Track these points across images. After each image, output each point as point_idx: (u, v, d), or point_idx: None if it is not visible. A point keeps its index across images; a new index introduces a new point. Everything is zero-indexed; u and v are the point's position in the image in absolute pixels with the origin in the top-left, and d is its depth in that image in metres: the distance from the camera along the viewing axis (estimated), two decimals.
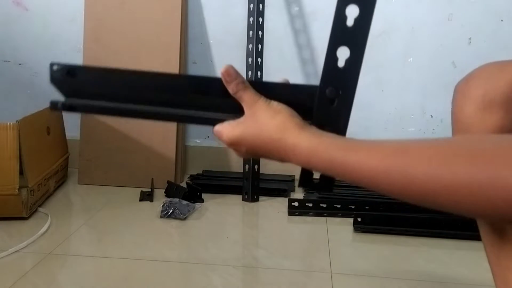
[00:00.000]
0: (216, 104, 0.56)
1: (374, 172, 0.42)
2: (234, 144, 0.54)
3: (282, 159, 0.52)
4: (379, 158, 0.42)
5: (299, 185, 0.59)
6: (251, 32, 1.35)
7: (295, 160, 0.50)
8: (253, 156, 0.56)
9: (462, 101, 0.55)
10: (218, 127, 0.55)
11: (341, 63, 0.54)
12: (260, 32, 1.35)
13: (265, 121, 0.52)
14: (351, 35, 0.55)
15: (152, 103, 0.56)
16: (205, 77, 0.58)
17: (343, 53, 0.55)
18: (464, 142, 0.41)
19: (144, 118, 0.58)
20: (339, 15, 0.55)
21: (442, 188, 0.38)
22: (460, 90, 0.57)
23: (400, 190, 0.41)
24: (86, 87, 0.57)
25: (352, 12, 0.55)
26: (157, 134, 1.43)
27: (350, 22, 0.54)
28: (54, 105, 0.57)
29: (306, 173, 0.57)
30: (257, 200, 1.35)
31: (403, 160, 0.41)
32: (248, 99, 0.54)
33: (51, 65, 0.55)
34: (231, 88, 0.54)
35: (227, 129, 0.54)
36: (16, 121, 1.15)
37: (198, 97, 0.56)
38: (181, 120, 0.60)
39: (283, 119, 0.52)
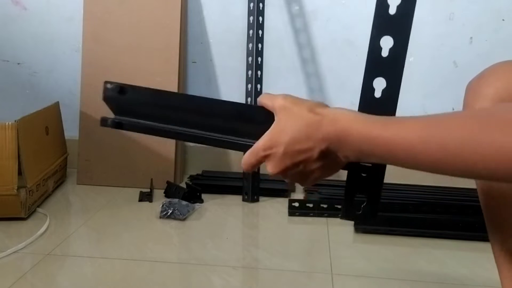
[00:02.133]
0: (259, 132, 0.54)
1: (410, 144, 0.42)
2: (271, 146, 0.51)
3: (322, 143, 0.48)
4: (417, 129, 0.43)
5: (342, 217, 0.57)
6: (251, 31, 1.35)
7: (334, 135, 0.48)
8: (291, 159, 0.50)
9: (474, 99, 0.55)
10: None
11: (377, 93, 0.55)
12: (260, 31, 1.35)
13: (295, 108, 0.50)
14: (386, 66, 0.55)
15: (197, 127, 0.57)
16: (250, 106, 0.59)
17: (379, 83, 0.56)
18: (499, 110, 0.41)
19: (189, 141, 0.59)
20: (374, 46, 0.55)
21: (479, 155, 0.38)
22: (472, 88, 0.57)
23: (437, 160, 0.41)
24: (136, 106, 0.59)
25: (387, 43, 0.55)
26: None
27: (385, 52, 0.54)
28: (104, 122, 0.59)
29: (348, 202, 0.55)
30: (257, 200, 1.35)
31: (440, 129, 0.41)
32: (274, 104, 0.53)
33: (105, 83, 0.57)
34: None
35: (260, 139, 0.52)
36: (15, 121, 1.14)
37: (243, 124, 0.56)
38: (223, 145, 0.59)
39: (310, 102, 0.51)
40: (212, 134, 0.57)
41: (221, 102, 0.57)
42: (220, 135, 0.57)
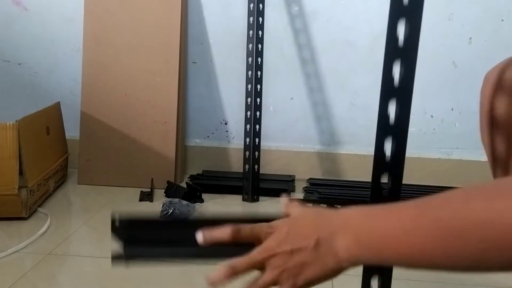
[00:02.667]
0: None
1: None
2: (272, 240, 0.47)
3: (323, 231, 0.46)
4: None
5: None
6: (251, 32, 1.35)
7: (336, 224, 0.46)
8: (291, 243, 0.47)
9: (490, 89, 0.53)
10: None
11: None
12: (260, 32, 1.35)
13: (300, 214, 0.50)
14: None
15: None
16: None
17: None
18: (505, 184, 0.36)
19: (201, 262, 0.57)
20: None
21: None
22: (488, 79, 0.56)
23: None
24: (145, 236, 0.56)
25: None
26: (157, 134, 1.43)
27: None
28: (116, 259, 0.57)
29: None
30: (257, 200, 1.35)
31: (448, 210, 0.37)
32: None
33: (113, 218, 0.56)
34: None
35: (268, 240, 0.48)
36: (16, 121, 1.15)
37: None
38: None
39: (314, 209, 0.50)
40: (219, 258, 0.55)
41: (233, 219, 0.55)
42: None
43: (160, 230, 0.57)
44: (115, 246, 0.56)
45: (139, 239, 0.57)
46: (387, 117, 0.53)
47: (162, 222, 0.59)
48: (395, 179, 0.54)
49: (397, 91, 0.53)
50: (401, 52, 0.52)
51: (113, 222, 0.56)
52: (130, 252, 0.57)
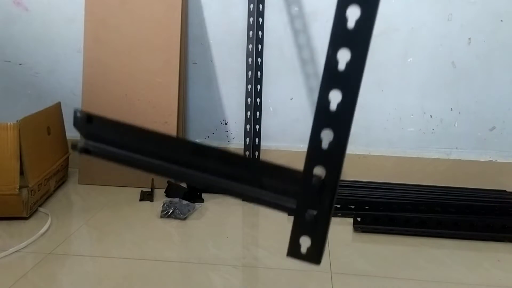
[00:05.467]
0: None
1: None
2: None
3: None
4: None
5: (287, 254, 0.53)
6: (251, 32, 1.35)
7: None
8: None
9: None
10: None
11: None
12: (260, 32, 1.36)
13: None
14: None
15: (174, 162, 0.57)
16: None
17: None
18: None
19: (159, 174, 0.59)
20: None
21: None
22: None
23: None
24: (103, 134, 0.59)
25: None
26: None
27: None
28: (74, 147, 0.61)
29: (293, 242, 0.53)
30: None
31: None
32: None
33: (75, 111, 0.58)
34: None
35: None
36: (17, 121, 1.15)
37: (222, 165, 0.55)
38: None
39: None
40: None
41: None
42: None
43: (122, 134, 0.58)
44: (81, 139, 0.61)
45: (99, 137, 0.59)
46: (328, 105, 0.49)
47: (125, 125, 0.58)
48: (331, 172, 0.50)
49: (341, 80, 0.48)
50: (349, 38, 0.48)
51: (74, 114, 0.58)
52: (86, 145, 0.60)
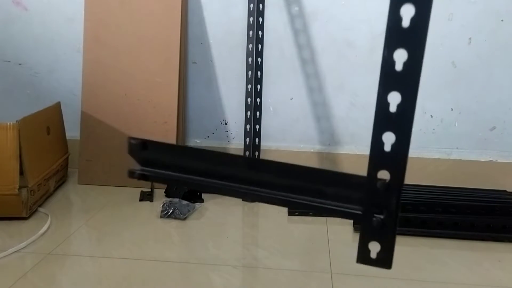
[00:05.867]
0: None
1: None
2: None
3: None
4: None
5: (357, 261, 0.53)
6: (251, 32, 1.35)
7: None
8: None
9: None
10: None
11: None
12: (260, 32, 1.35)
13: None
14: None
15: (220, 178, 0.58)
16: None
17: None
18: None
19: (215, 193, 0.60)
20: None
21: None
22: None
23: None
24: (158, 159, 0.60)
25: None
26: (157, 134, 1.43)
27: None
28: (131, 174, 0.62)
29: (362, 247, 0.53)
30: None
31: None
32: None
33: (129, 139, 0.60)
34: None
35: None
36: (16, 121, 1.15)
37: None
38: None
39: None
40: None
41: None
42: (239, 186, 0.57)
43: (176, 157, 0.60)
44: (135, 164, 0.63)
45: (154, 161, 0.60)
46: (387, 107, 0.48)
47: (180, 148, 0.63)
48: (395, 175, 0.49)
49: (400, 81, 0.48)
50: (406, 36, 0.46)
51: (129, 141, 0.60)
52: (143, 171, 0.62)
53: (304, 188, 0.53)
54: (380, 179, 0.49)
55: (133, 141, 0.59)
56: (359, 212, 0.51)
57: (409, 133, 0.47)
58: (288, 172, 0.54)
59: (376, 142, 0.48)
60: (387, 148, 0.48)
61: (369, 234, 0.51)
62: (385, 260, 0.51)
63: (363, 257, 0.53)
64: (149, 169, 0.61)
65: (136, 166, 0.62)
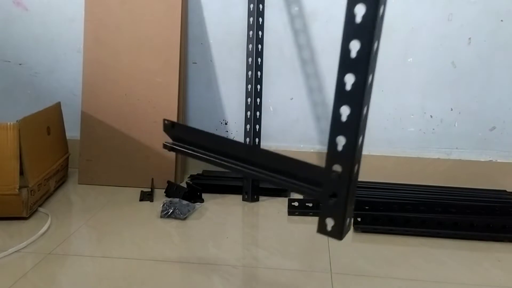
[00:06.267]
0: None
1: None
2: None
3: None
4: None
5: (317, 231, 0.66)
6: (251, 32, 1.35)
7: None
8: None
9: None
10: None
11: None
12: (260, 32, 1.35)
13: None
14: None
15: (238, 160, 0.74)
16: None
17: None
18: None
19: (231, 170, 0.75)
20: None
21: None
22: None
23: None
24: (185, 137, 0.79)
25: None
26: (157, 134, 1.43)
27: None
28: (165, 146, 0.81)
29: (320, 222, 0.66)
30: (257, 200, 1.35)
31: None
32: None
33: (164, 120, 0.79)
34: None
35: None
36: (16, 121, 1.15)
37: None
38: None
39: None
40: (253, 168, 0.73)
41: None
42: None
43: (195, 137, 0.78)
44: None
45: (181, 139, 0.79)
46: (339, 117, 0.60)
47: (197, 131, 0.79)
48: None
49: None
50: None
51: (164, 122, 0.79)
52: (173, 145, 0.80)
53: (284, 171, 0.70)
54: (334, 171, 0.62)
55: (166, 122, 0.78)
56: (319, 192, 0.65)
57: (356, 138, 0.59)
58: (273, 158, 0.71)
59: (331, 143, 0.61)
60: (340, 148, 0.60)
61: (326, 211, 0.64)
62: (337, 233, 0.64)
63: (321, 229, 0.65)
64: (178, 143, 0.79)
65: (169, 141, 0.81)
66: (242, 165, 0.73)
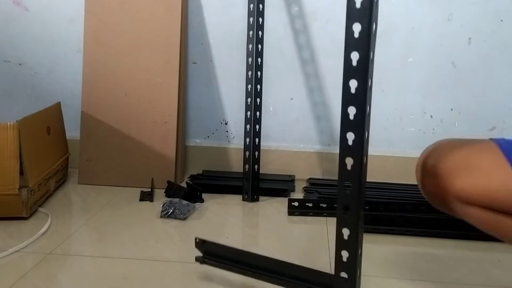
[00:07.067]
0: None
1: None
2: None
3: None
4: None
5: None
6: (251, 32, 1.35)
7: None
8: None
9: (419, 172, 0.71)
10: None
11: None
12: (260, 32, 1.35)
13: None
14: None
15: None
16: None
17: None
18: None
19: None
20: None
21: None
22: (417, 165, 0.72)
23: None
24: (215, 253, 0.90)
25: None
26: (157, 134, 1.43)
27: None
28: (197, 259, 0.91)
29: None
30: (257, 200, 1.35)
31: None
32: None
33: (195, 238, 0.90)
34: None
35: None
36: (16, 121, 1.15)
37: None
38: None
39: None
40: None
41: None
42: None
43: (226, 252, 0.89)
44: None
45: (210, 252, 0.90)
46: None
47: (226, 247, 0.89)
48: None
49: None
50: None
51: (195, 240, 0.90)
52: (204, 257, 0.90)
53: (305, 279, 0.80)
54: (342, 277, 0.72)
55: (197, 240, 0.90)
56: None
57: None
58: (280, 266, 0.83)
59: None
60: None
61: None
62: None
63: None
64: (207, 257, 0.90)
65: (200, 254, 0.91)
66: (272, 275, 0.84)
